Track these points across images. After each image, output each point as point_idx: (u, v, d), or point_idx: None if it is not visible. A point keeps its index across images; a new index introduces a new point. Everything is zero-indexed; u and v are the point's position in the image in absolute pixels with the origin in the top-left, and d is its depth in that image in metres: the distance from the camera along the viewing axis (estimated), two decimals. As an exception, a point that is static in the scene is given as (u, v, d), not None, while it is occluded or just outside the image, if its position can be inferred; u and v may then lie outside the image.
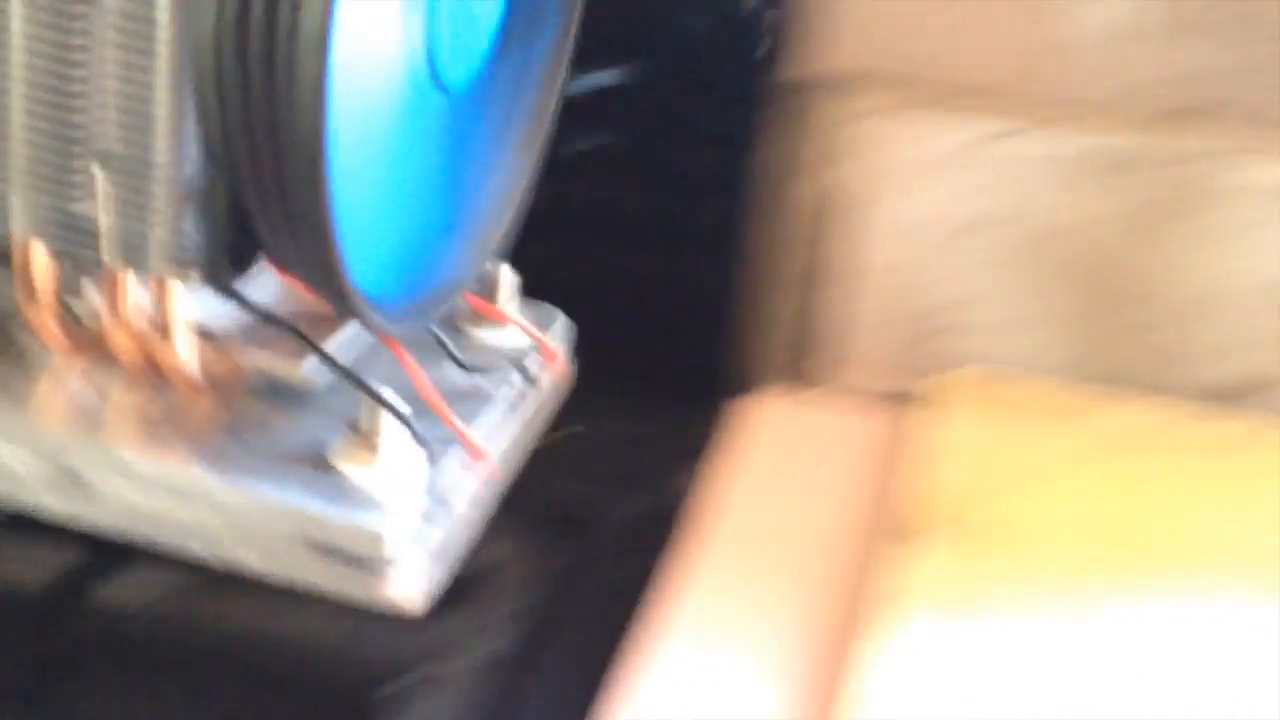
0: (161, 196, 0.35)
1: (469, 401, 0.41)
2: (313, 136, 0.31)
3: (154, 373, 0.40)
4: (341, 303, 0.36)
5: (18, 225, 0.37)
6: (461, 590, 0.40)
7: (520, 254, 0.46)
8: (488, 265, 0.45)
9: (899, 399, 0.62)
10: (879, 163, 0.60)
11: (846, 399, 0.65)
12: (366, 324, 0.38)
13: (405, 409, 0.38)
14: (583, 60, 0.45)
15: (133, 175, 0.35)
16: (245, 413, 0.41)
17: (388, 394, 0.38)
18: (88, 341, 0.40)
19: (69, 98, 0.35)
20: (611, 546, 0.51)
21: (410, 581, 0.36)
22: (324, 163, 0.32)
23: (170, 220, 0.35)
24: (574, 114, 0.47)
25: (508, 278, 0.46)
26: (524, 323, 0.46)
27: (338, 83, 0.31)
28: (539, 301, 0.48)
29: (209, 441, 0.39)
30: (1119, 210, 0.55)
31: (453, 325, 0.45)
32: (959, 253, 0.58)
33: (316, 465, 0.38)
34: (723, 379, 0.65)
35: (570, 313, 0.49)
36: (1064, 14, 0.54)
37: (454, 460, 0.39)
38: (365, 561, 0.36)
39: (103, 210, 0.35)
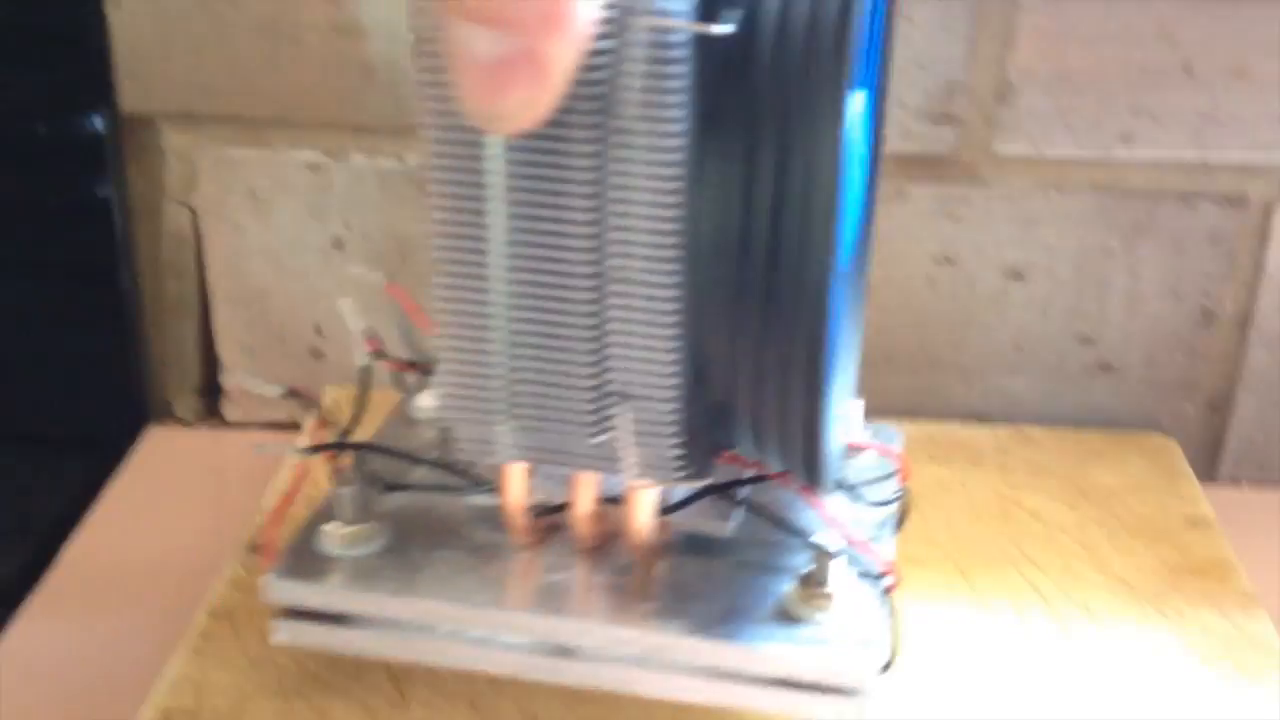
0: (668, 423, 0.39)
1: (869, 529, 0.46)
2: (816, 345, 0.37)
3: (601, 549, 0.45)
4: (814, 475, 0.41)
5: (507, 456, 0.42)
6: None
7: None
8: None
9: (288, 424, 0.65)
10: (230, 192, 0.62)
11: (244, 427, 0.66)
12: (823, 488, 0.42)
13: (842, 552, 0.42)
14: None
15: (644, 409, 0.39)
16: (682, 572, 0.44)
17: (829, 541, 0.42)
18: (543, 532, 0.45)
19: (604, 350, 0.39)
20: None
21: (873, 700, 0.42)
22: (824, 361, 0.38)
23: (673, 440, 0.39)
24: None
25: (859, 409, 0.49)
26: (876, 445, 0.49)
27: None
28: (879, 423, 0.51)
29: (677, 603, 0.43)
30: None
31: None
32: (326, 275, 0.62)
33: (780, 615, 0.42)
34: (132, 411, 0.65)
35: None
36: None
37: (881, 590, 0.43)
38: (848, 691, 0.41)
39: (623, 440, 0.39)
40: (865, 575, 0.44)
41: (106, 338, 0.64)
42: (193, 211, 0.63)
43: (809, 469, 0.41)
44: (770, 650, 0.41)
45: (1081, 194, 0.59)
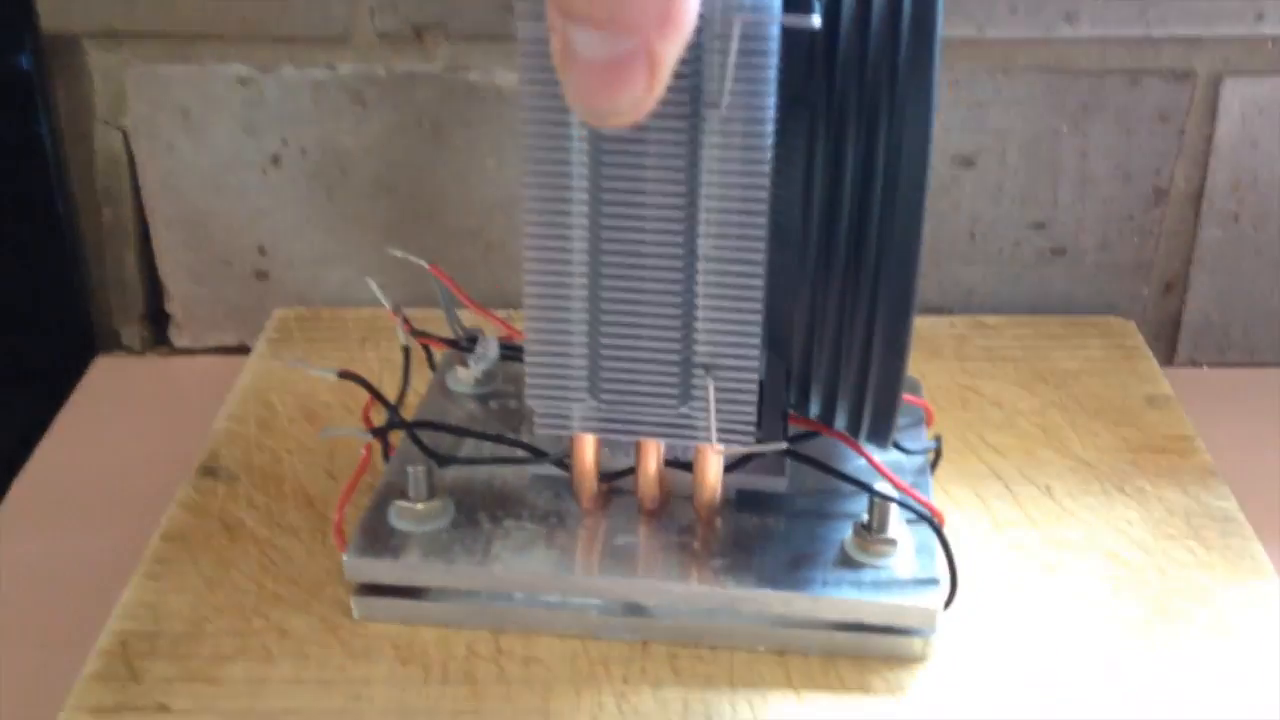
0: (748, 391, 0.40)
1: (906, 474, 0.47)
2: (902, 318, 0.39)
3: (662, 511, 0.45)
4: (882, 435, 0.42)
5: (584, 428, 0.42)
6: None
7: None
8: None
9: (237, 348, 0.64)
10: (160, 111, 0.60)
11: (192, 353, 0.65)
12: (885, 445, 0.43)
13: (896, 499, 0.43)
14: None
15: (727, 378, 0.40)
16: (744, 527, 0.45)
17: (884, 489, 0.44)
18: (605, 497, 0.46)
19: (689, 325, 0.40)
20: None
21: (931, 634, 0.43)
22: (908, 331, 0.39)
23: (752, 407, 0.41)
24: None
25: None
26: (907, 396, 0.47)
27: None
28: None
29: (744, 558, 0.44)
30: (392, 132, 0.60)
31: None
32: (265, 193, 0.61)
33: (844, 562, 0.44)
34: (80, 342, 0.64)
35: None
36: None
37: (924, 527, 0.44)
38: (914, 630, 0.43)
39: (711, 410, 0.40)
40: (915, 519, 0.45)
41: (48, 269, 0.62)
42: (124, 133, 0.61)
43: (879, 429, 0.42)
44: (839, 596, 0.43)
45: (1028, 76, 0.58)
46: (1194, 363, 0.64)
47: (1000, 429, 0.55)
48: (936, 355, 0.59)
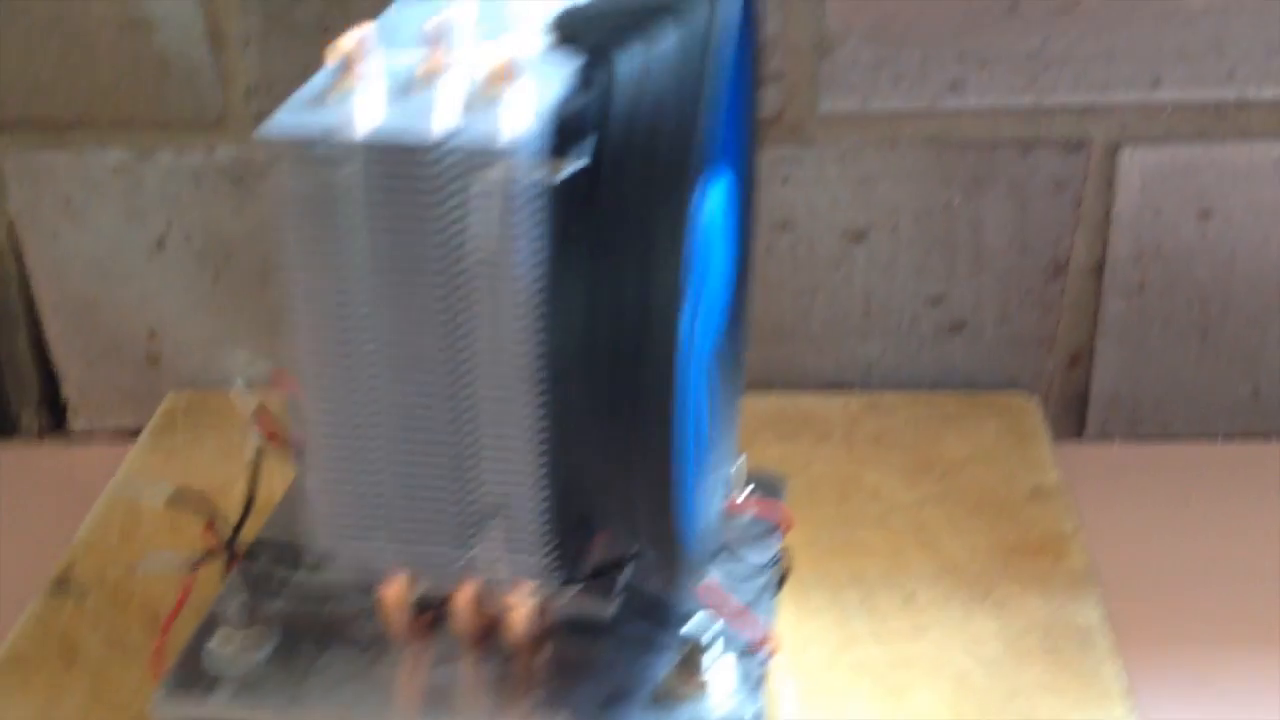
0: (537, 533, 0.39)
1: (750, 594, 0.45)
2: (663, 426, 0.36)
3: (487, 636, 0.43)
4: (675, 576, 0.40)
5: (384, 567, 0.41)
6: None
7: None
8: None
9: (136, 430, 0.64)
10: (42, 199, 0.59)
11: (89, 436, 0.64)
12: (685, 576, 0.41)
13: (711, 634, 0.42)
14: None
15: (511, 520, 0.39)
16: (564, 656, 0.43)
17: (700, 626, 0.42)
18: (423, 628, 0.43)
19: (473, 467, 0.38)
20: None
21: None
22: (669, 445, 0.36)
23: (543, 548, 0.39)
24: None
25: (741, 472, 0.47)
26: (758, 506, 0.48)
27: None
28: (766, 471, 0.49)
29: (546, 694, 0.42)
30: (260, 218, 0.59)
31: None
32: (152, 277, 0.60)
33: (660, 698, 0.42)
34: None
35: None
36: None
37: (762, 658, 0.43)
38: None
39: (494, 551, 0.39)
40: (743, 650, 0.43)
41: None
42: (9, 221, 0.61)
43: (671, 569, 0.40)
44: None
45: (916, 148, 0.56)
46: (1105, 436, 0.61)
47: (875, 526, 0.53)
48: (825, 439, 0.57)
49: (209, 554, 0.46)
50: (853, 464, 0.56)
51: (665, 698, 0.42)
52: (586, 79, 0.35)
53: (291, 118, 0.34)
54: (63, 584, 0.51)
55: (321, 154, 0.33)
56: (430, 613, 0.44)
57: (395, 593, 0.42)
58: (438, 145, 0.33)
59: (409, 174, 0.33)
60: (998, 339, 0.59)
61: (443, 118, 0.33)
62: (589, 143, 0.35)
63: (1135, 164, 0.56)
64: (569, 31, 0.36)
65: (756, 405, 0.59)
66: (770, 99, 0.55)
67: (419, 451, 0.38)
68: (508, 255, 0.34)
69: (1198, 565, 0.52)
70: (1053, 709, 0.44)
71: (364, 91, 0.34)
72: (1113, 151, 0.56)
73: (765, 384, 0.60)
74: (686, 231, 0.34)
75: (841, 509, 0.53)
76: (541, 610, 0.44)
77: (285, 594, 0.46)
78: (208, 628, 0.44)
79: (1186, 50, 0.54)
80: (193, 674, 0.44)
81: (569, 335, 0.35)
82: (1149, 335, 0.59)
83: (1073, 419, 0.61)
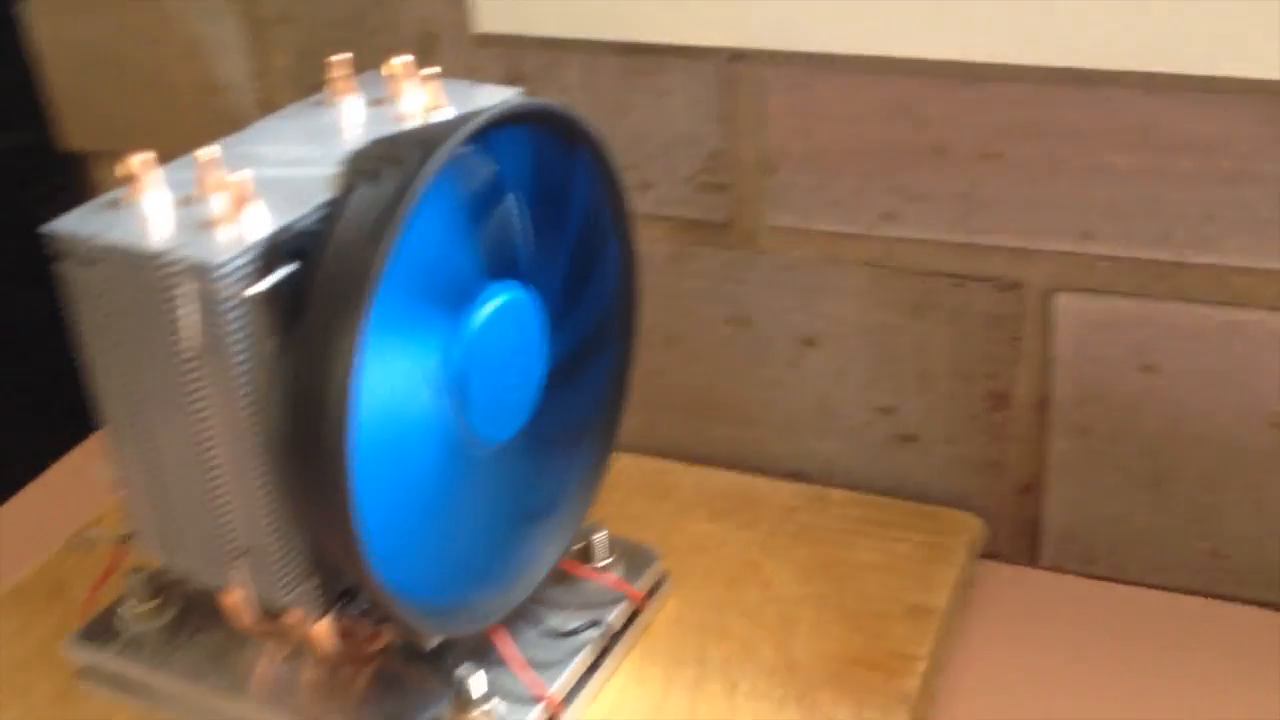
0: (281, 566, 0.46)
1: (558, 655, 0.52)
2: (340, 490, 0.41)
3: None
4: (387, 615, 0.46)
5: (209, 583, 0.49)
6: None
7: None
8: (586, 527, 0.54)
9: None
10: None
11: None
12: (414, 631, 0.48)
13: (480, 690, 0.48)
14: None
15: (258, 559, 0.46)
16: (389, 672, 0.52)
17: (469, 679, 0.48)
18: (274, 630, 0.52)
19: (221, 512, 0.46)
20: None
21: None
22: (348, 507, 0.42)
23: (291, 578, 0.46)
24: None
25: (603, 543, 0.55)
26: (615, 577, 0.55)
27: (359, 446, 0.41)
28: (640, 545, 0.56)
29: (350, 704, 0.50)
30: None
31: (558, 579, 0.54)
32: None
33: None
34: None
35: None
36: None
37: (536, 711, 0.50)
38: None
39: (246, 579, 0.47)
40: (518, 697, 0.50)
41: None
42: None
43: (388, 614, 0.46)
44: None
45: (856, 268, 0.59)
46: (1058, 567, 0.61)
47: (745, 615, 0.56)
48: (750, 525, 0.61)
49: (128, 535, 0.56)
50: (761, 551, 0.59)
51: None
52: (327, 207, 0.42)
53: (73, 219, 0.43)
54: (81, 541, 0.63)
55: (82, 253, 0.42)
56: (274, 618, 0.53)
57: (230, 599, 0.51)
58: (158, 258, 0.41)
59: (139, 280, 0.42)
60: (948, 456, 0.61)
61: (175, 234, 0.41)
62: (297, 262, 0.42)
63: (1071, 310, 0.56)
64: (345, 165, 0.43)
65: (709, 480, 0.64)
66: (721, 206, 0.60)
67: (184, 500, 0.46)
68: (215, 351, 0.42)
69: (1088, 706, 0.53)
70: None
71: (141, 205, 0.43)
72: (1047, 295, 0.56)
73: (731, 463, 0.65)
74: (356, 335, 0.40)
75: (726, 593, 0.57)
76: (375, 634, 0.52)
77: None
78: (123, 597, 0.55)
79: (1117, 207, 0.54)
80: (100, 628, 0.54)
81: (280, 414, 0.42)
82: (1099, 477, 0.59)
83: (1027, 545, 0.61)
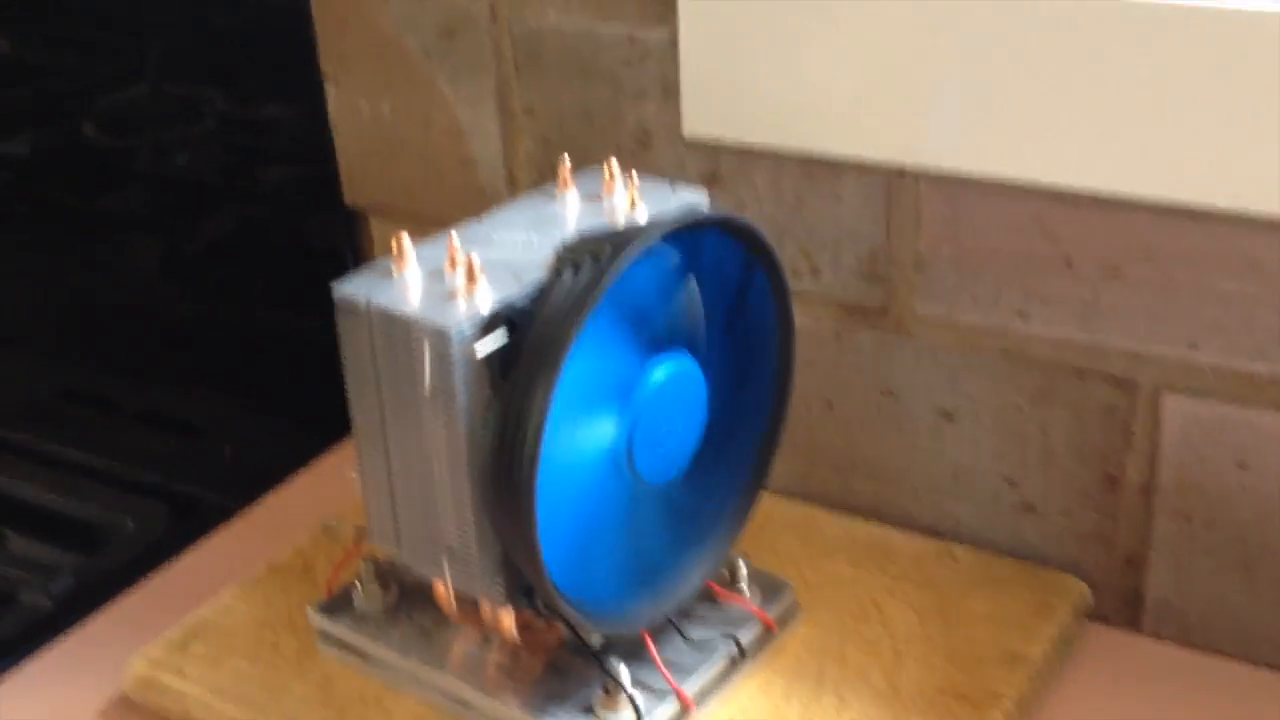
0: (477, 565, 0.57)
1: (695, 662, 0.62)
2: (528, 510, 0.53)
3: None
4: (559, 614, 0.57)
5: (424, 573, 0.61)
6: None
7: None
8: (732, 556, 0.65)
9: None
10: None
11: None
12: (577, 627, 0.59)
13: (627, 680, 0.59)
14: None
15: (459, 557, 0.57)
16: (558, 662, 0.63)
17: (620, 670, 0.59)
18: (473, 617, 0.63)
19: (436, 517, 0.57)
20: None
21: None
22: (533, 524, 0.52)
23: (483, 575, 0.57)
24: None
25: (744, 572, 0.65)
26: (753, 604, 0.64)
27: (545, 476, 0.52)
28: (777, 577, 0.67)
29: (525, 684, 0.62)
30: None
31: (703, 598, 0.64)
32: None
33: (586, 710, 0.60)
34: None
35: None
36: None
37: (672, 706, 0.60)
38: None
39: (449, 572, 0.58)
40: (657, 692, 0.60)
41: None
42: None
43: (557, 614, 0.57)
44: None
45: (992, 355, 0.67)
46: (1158, 635, 0.69)
47: (863, 646, 0.66)
48: (881, 570, 0.70)
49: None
50: (887, 594, 0.69)
51: (587, 710, 0.60)
52: (537, 287, 0.54)
53: (352, 283, 0.56)
54: (328, 530, 0.76)
55: (356, 310, 0.54)
56: (472, 608, 0.64)
57: (439, 589, 0.63)
58: (410, 321, 0.53)
59: (394, 335, 0.54)
60: (1063, 527, 0.69)
61: (423, 302, 0.54)
62: (510, 330, 0.53)
63: (1177, 409, 0.64)
64: (555, 254, 0.55)
65: (851, 529, 0.74)
66: (879, 294, 0.69)
67: (409, 505, 0.58)
68: (444, 395, 0.53)
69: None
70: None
71: (401, 275, 0.55)
72: (1157, 394, 0.64)
73: (872, 516, 0.74)
74: (550, 393, 0.51)
75: (850, 625, 0.67)
76: (550, 628, 0.63)
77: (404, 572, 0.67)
78: (357, 579, 0.68)
79: (1221, 324, 0.61)
80: (337, 603, 0.67)
81: (488, 446, 0.54)
82: (1196, 558, 0.66)
83: (1130, 612, 0.69)
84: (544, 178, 0.77)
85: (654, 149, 0.72)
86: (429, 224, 0.81)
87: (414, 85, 0.79)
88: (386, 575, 0.67)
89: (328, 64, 0.82)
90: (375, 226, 0.86)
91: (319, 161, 0.86)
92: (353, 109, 0.82)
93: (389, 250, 0.81)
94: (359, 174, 0.84)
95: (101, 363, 1.03)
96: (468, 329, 0.53)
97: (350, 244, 0.86)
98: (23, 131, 1.03)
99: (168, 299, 1.00)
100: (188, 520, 0.83)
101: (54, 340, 1.06)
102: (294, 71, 0.85)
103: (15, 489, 0.89)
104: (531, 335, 0.53)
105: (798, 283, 0.69)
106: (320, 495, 0.82)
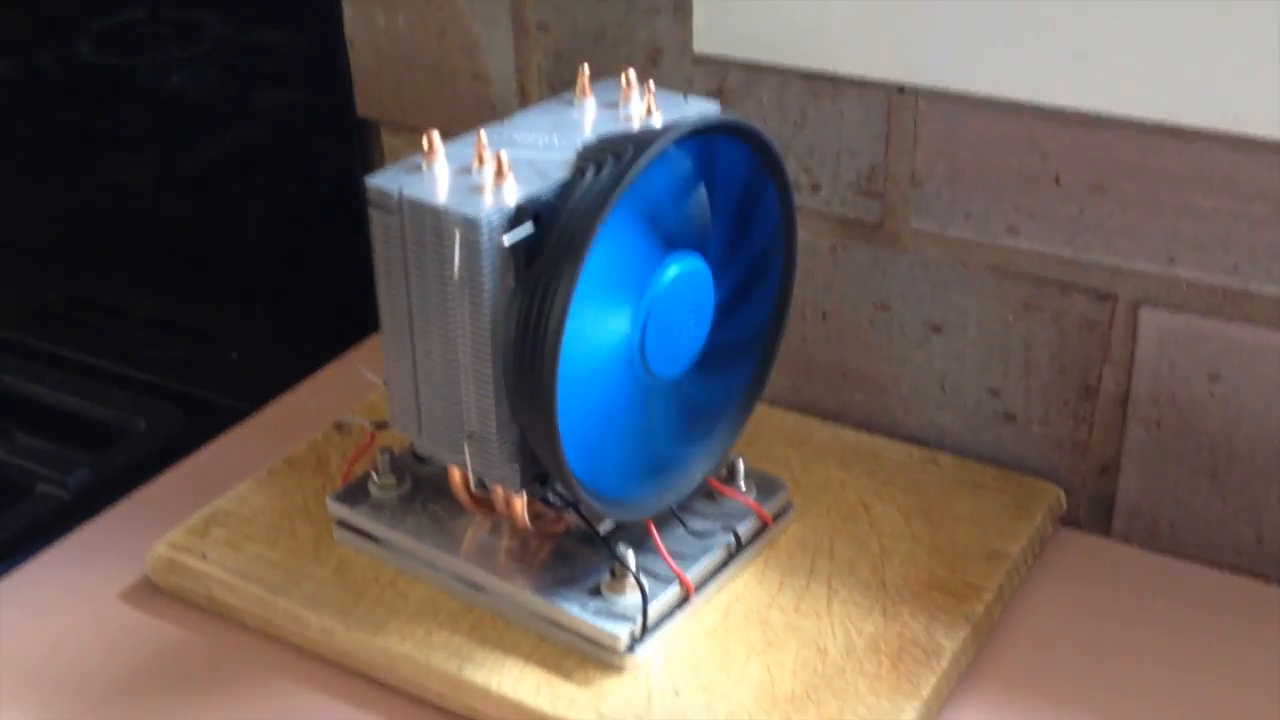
0: (496, 450, 0.60)
1: (696, 551, 0.65)
2: (549, 396, 0.56)
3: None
4: (574, 498, 0.60)
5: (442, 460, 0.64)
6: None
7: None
8: (732, 456, 0.68)
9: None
10: None
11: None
12: (590, 511, 0.62)
13: (633, 565, 0.62)
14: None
15: (480, 443, 0.60)
16: (565, 549, 0.67)
17: (628, 555, 0.62)
18: (485, 505, 0.66)
19: (459, 403, 0.60)
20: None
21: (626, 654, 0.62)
22: (553, 410, 0.56)
23: (502, 460, 0.60)
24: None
25: (743, 470, 0.69)
26: (749, 499, 0.68)
27: (565, 364, 0.55)
28: (773, 476, 0.70)
29: (535, 568, 0.65)
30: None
31: (703, 493, 0.68)
32: None
33: (593, 591, 0.63)
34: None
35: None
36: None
37: (674, 590, 0.63)
38: (605, 649, 0.62)
39: (471, 459, 0.61)
40: (660, 578, 0.64)
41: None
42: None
43: (575, 499, 0.61)
44: (567, 611, 0.63)
45: (981, 270, 0.71)
46: (1127, 540, 0.73)
47: (852, 543, 0.69)
48: (870, 475, 0.74)
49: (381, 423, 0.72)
50: (875, 496, 0.72)
51: (594, 592, 0.64)
52: (561, 184, 0.57)
53: (383, 177, 0.58)
54: (340, 426, 0.79)
55: (387, 203, 0.57)
56: (485, 494, 0.68)
57: (454, 476, 0.66)
58: (440, 211, 0.56)
59: (424, 226, 0.57)
60: (1042, 436, 0.73)
61: (452, 195, 0.56)
62: (536, 223, 0.56)
63: (1154, 322, 0.68)
64: (578, 154, 0.58)
65: (841, 436, 0.77)
66: (875, 209, 0.73)
67: (433, 392, 0.61)
68: (472, 283, 0.56)
69: (1131, 666, 0.65)
70: (853, 704, 0.60)
71: (430, 169, 0.58)
72: (1135, 308, 0.68)
73: (861, 424, 0.78)
74: (573, 283, 0.54)
75: (839, 524, 0.71)
76: (558, 518, 0.66)
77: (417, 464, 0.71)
78: (371, 470, 0.71)
79: (1198, 240, 0.65)
80: (353, 492, 0.70)
81: (511, 334, 0.57)
82: (1166, 465, 0.70)
83: (1102, 518, 0.73)
84: (555, 92, 0.80)
85: (663, 65, 0.75)
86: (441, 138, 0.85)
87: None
88: (400, 467, 0.70)
89: (344, -23, 0.84)
90: (386, 140, 0.88)
91: (330, 76, 0.88)
92: (368, 21, 0.85)
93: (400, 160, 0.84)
94: (373, 86, 0.87)
95: (111, 272, 1.05)
96: (496, 219, 0.56)
97: (361, 156, 0.89)
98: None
99: (178, 213, 1.02)
100: (200, 421, 0.85)
101: (66, 249, 1.08)
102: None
103: (27, 390, 0.91)
104: (556, 228, 0.56)
105: (798, 198, 0.73)
106: (329, 399, 0.85)
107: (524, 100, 0.81)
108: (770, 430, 0.77)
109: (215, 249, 1.01)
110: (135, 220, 1.04)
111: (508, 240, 0.56)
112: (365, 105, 0.88)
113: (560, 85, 0.79)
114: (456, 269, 0.57)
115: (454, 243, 0.56)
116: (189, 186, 1.03)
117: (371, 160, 0.89)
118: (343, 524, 0.70)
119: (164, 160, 1.04)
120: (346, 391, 0.84)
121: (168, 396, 0.89)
